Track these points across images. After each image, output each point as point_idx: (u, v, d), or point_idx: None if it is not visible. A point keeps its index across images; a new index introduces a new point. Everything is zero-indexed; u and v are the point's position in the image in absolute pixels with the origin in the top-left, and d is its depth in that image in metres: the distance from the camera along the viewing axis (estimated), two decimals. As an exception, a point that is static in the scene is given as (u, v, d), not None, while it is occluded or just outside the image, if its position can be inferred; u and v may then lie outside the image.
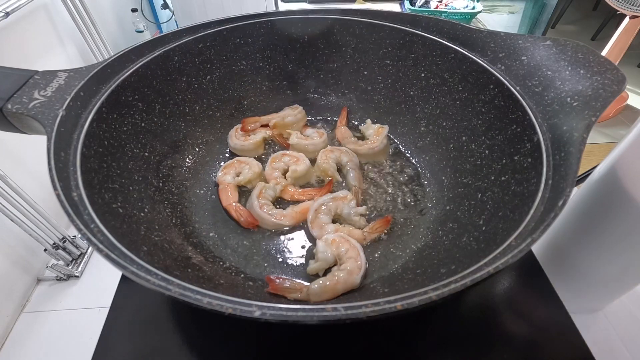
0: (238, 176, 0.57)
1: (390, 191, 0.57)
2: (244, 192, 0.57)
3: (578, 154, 0.34)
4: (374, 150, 0.60)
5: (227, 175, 0.57)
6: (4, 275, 0.63)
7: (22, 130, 0.42)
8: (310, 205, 0.52)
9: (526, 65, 0.46)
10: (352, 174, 0.57)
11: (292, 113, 0.65)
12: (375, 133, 0.62)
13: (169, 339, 0.43)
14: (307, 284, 0.43)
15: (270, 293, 0.42)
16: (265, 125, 0.65)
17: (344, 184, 0.58)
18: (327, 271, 0.46)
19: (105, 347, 0.43)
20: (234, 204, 0.54)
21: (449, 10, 2.29)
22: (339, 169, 0.59)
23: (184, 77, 0.58)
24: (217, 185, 0.57)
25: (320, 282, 0.42)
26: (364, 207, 0.53)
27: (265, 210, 0.52)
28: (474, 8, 2.31)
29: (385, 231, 0.51)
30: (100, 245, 0.29)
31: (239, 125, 0.63)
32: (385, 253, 0.49)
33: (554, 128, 0.39)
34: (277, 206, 0.54)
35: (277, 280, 0.43)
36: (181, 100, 0.58)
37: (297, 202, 0.55)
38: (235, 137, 0.62)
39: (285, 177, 0.57)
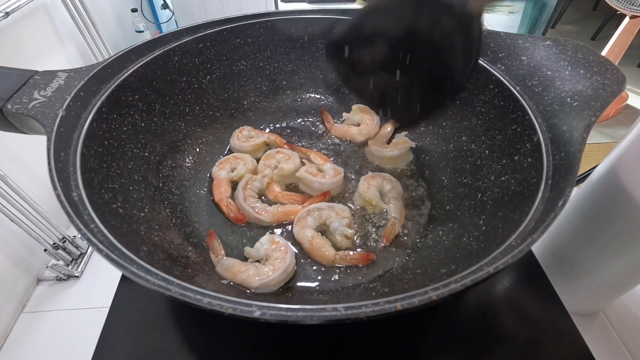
0: (233, 172, 0.57)
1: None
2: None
3: (578, 154, 0.34)
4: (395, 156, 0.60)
5: (222, 171, 0.57)
6: (4, 275, 0.63)
7: (22, 130, 0.42)
8: (305, 204, 0.52)
9: (526, 65, 0.46)
10: (393, 205, 0.52)
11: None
12: (401, 142, 0.60)
13: (169, 339, 0.43)
14: (221, 255, 0.46)
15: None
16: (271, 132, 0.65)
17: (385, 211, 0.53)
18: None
19: (105, 347, 0.43)
20: (225, 199, 0.54)
21: (449, 10, 2.28)
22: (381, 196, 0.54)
23: (184, 77, 0.58)
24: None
25: (228, 263, 0.44)
26: (353, 231, 0.49)
27: (248, 202, 0.52)
28: (473, 8, 2.30)
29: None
30: (100, 245, 0.29)
31: (245, 127, 0.63)
32: (385, 253, 0.49)
33: (554, 128, 0.39)
34: (264, 200, 0.55)
35: (214, 239, 0.48)
36: (181, 100, 0.58)
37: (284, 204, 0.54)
38: (237, 138, 0.62)
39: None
